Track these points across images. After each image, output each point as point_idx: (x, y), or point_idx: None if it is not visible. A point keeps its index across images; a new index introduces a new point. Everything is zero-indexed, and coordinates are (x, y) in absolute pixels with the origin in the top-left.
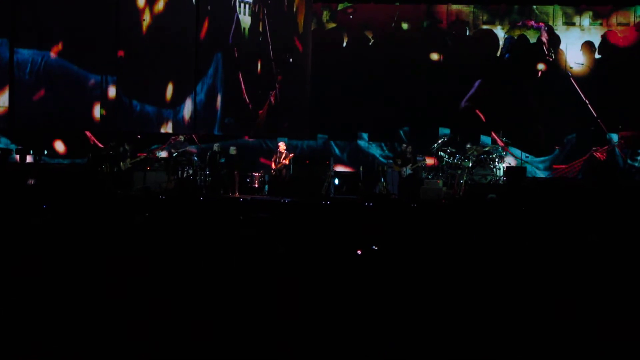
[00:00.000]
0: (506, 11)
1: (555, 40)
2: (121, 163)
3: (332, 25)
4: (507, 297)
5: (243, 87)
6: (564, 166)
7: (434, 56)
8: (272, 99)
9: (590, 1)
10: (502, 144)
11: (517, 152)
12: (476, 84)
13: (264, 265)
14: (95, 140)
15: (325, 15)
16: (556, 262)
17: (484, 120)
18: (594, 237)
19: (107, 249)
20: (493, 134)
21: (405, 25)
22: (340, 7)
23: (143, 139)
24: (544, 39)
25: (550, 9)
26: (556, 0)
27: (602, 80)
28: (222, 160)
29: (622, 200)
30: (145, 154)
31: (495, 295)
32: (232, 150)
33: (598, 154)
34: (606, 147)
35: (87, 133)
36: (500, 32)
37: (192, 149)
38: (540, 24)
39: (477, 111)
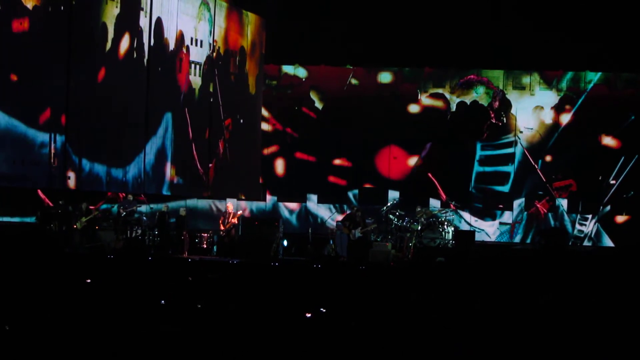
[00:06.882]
0: (455, 75)
1: (505, 104)
2: (78, 222)
3: (282, 86)
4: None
5: (193, 147)
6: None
7: (385, 119)
8: (220, 160)
9: (540, 65)
10: (453, 208)
11: (466, 215)
12: (427, 146)
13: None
14: (46, 199)
15: (269, 82)
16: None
17: (436, 183)
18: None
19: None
20: (443, 197)
21: (356, 87)
22: (290, 68)
23: (93, 198)
24: (495, 103)
25: (500, 73)
26: (505, 65)
27: (552, 145)
28: (172, 220)
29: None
30: (97, 212)
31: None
32: (182, 211)
33: (539, 205)
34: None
35: (38, 191)
36: (449, 95)
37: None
38: (492, 86)
39: (430, 174)
